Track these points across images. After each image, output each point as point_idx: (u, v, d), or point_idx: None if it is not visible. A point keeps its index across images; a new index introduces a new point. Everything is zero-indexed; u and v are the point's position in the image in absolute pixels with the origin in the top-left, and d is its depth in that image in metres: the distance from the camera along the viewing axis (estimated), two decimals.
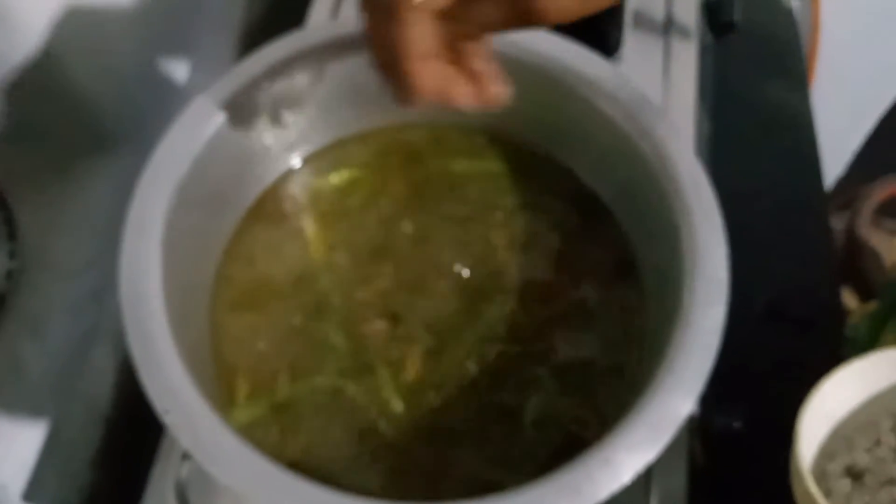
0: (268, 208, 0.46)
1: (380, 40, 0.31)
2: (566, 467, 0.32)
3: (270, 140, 0.45)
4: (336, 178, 0.47)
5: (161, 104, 0.52)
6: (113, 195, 0.49)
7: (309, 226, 0.46)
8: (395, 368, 0.41)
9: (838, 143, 0.87)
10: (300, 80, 0.43)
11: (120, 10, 0.49)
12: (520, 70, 0.43)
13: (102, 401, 0.48)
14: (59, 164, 0.50)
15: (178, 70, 0.56)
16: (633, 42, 0.57)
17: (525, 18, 0.29)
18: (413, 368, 0.40)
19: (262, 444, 0.39)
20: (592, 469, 0.31)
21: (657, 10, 0.60)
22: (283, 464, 0.37)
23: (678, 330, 0.35)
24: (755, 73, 0.75)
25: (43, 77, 0.46)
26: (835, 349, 0.60)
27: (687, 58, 0.58)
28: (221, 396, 0.40)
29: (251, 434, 0.39)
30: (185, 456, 0.43)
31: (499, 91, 0.33)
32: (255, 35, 0.64)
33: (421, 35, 0.29)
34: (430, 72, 0.30)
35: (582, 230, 0.45)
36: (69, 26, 0.46)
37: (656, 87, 0.56)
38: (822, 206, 0.68)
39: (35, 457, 0.44)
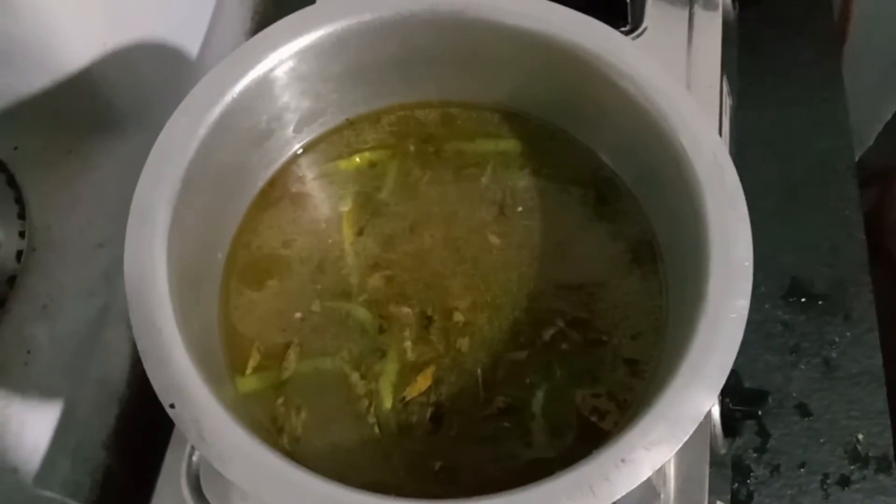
0: (281, 188, 0.45)
1: None
2: (581, 465, 0.31)
3: (281, 120, 0.44)
4: (351, 157, 0.46)
5: (172, 82, 0.51)
6: (124, 175, 0.49)
7: (323, 206, 0.45)
8: (404, 371, 0.40)
9: (869, 112, 0.84)
10: (310, 58, 0.42)
11: None
12: (536, 45, 0.42)
13: (116, 382, 0.48)
14: (69, 144, 0.50)
15: (190, 48, 0.55)
16: (655, 14, 0.55)
17: None
18: (423, 384, 0.39)
19: (265, 413, 0.39)
20: (608, 468, 0.30)
21: None
22: (285, 438, 0.38)
23: (700, 321, 0.34)
24: (783, 39, 0.72)
25: (52, 57, 0.45)
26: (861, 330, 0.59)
27: (712, 29, 0.55)
28: (231, 366, 0.40)
29: (254, 403, 0.39)
30: None
31: None
32: (268, 11, 0.62)
33: None
34: None
35: (602, 212, 0.44)
36: (79, 6, 0.44)
37: (680, 59, 0.54)
38: (851, 179, 0.66)
39: (47, 440, 0.43)
